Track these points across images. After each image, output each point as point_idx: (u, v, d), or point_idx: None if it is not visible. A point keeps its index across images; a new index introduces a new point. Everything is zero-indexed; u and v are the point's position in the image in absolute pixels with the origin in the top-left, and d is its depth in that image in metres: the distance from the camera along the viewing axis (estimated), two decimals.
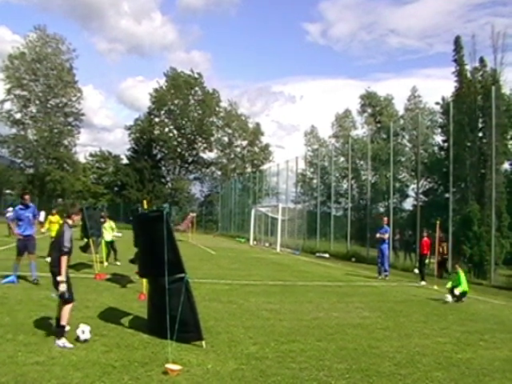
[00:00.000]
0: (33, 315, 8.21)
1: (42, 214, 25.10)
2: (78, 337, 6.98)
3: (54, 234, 14.53)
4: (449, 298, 13.26)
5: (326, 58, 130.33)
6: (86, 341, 6.95)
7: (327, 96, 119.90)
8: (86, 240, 16.20)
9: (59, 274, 7.00)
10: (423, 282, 17.70)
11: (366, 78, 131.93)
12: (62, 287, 7.01)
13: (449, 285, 13.77)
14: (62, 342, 6.74)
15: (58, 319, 7.04)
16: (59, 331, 6.89)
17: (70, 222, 7.43)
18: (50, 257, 8.31)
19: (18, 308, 8.92)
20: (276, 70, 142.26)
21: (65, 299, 7.07)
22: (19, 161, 61.92)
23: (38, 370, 5.67)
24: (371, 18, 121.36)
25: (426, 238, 18.48)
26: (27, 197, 12.33)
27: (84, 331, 7.01)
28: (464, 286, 13.50)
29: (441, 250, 21.74)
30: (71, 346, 6.69)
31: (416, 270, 22.27)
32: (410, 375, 6.43)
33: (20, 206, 12.08)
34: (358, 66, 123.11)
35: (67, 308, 7.06)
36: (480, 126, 26.82)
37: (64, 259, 7.05)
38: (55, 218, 17.99)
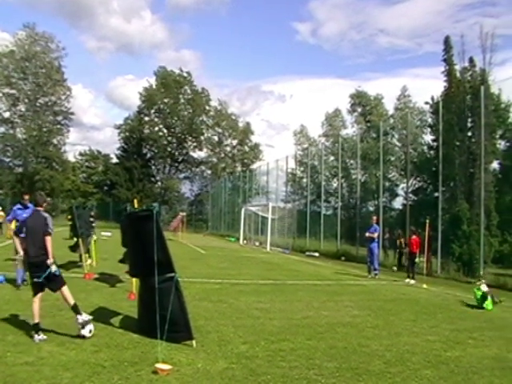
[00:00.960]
0: (22, 315, 8.15)
1: None
2: (84, 336, 7.16)
3: None
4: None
5: (315, 58, 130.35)
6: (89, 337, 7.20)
7: (317, 95, 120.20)
8: (75, 239, 16.11)
9: (47, 256, 7.17)
10: (412, 281, 17.78)
11: (356, 78, 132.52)
12: (54, 267, 7.22)
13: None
14: (83, 316, 7.18)
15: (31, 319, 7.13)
16: (75, 308, 7.25)
17: (41, 209, 7.63)
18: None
19: (6, 308, 8.87)
20: (266, 69, 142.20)
21: (58, 282, 7.31)
22: (8, 160, 61.39)
23: (27, 370, 5.65)
24: (361, 17, 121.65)
25: (414, 237, 18.56)
26: (27, 197, 11.69)
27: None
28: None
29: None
30: (90, 316, 7.30)
31: (395, 268, 22.83)
32: (399, 373, 6.46)
33: (18, 206, 11.50)
34: (348, 65, 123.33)
35: (66, 289, 7.33)
36: (469, 125, 26.93)
37: (50, 240, 7.28)
38: None
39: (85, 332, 7.13)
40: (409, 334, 8.98)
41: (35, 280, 7.19)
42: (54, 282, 7.27)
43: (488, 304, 12.62)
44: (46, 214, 7.51)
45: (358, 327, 9.28)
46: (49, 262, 7.13)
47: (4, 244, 21.57)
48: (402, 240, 23.94)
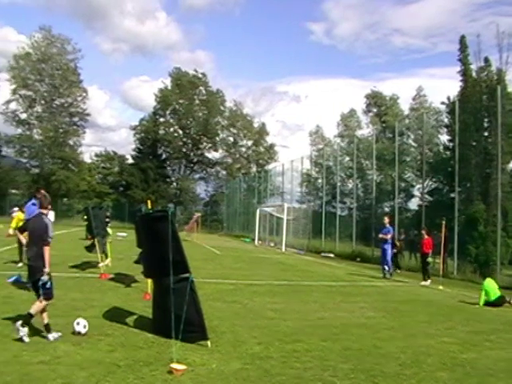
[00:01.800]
0: (37, 314, 8.21)
1: (52, 213, 25.05)
2: (78, 332, 7.21)
3: None
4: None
5: (330, 58, 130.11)
6: (84, 334, 7.22)
7: (332, 95, 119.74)
8: (91, 240, 16.21)
9: (44, 265, 7.00)
10: (427, 282, 17.65)
11: (370, 78, 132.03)
12: (46, 277, 7.02)
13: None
14: (23, 334, 6.81)
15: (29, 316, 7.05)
16: (28, 320, 6.97)
17: (45, 212, 7.53)
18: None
19: (22, 307, 8.91)
20: (280, 70, 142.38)
21: (46, 294, 7.10)
22: (24, 161, 61.95)
23: (42, 369, 5.70)
24: (375, 17, 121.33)
25: (427, 237, 18.40)
26: (42, 191, 10.69)
27: (79, 323, 7.28)
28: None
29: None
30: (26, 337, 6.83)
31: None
32: (414, 375, 6.42)
33: (33, 201, 11.30)
34: (362, 65, 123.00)
35: (44, 304, 7.12)
36: (485, 125, 26.71)
37: (48, 250, 7.09)
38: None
39: (80, 328, 7.24)
40: (424, 335, 8.92)
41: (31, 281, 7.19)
42: (44, 291, 7.09)
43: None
44: (48, 220, 7.35)
45: (372, 328, 9.24)
46: (45, 270, 6.99)
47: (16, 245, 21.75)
48: (398, 242, 23.96)
